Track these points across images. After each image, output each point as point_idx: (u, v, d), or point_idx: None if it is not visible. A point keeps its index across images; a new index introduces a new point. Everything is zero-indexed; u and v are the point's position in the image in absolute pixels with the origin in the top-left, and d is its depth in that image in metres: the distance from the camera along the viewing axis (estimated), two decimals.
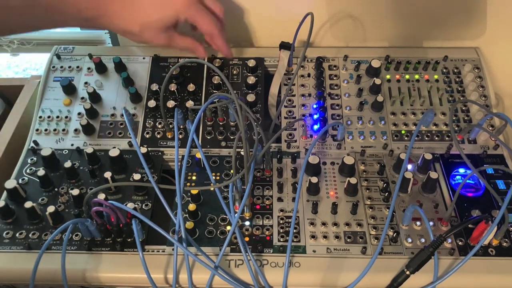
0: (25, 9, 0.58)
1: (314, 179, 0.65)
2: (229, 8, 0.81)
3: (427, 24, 0.83)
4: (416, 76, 0.79)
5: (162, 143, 0.73)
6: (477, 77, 0.78)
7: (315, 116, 0.74)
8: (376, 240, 0.62)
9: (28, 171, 0.69)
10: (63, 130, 0.74)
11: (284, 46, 0.78)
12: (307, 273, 0.59)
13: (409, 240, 0.61)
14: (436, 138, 0.72)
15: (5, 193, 0.65)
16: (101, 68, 0.79)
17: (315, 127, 0.73)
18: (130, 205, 0.63)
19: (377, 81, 0.75)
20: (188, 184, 0.68)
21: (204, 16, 0.68)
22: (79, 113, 0.75)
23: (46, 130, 0.74)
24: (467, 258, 0.56)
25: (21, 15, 0.58)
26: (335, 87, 0.78)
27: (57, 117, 0.75)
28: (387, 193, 0.66)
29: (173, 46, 0.71)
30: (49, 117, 0.75)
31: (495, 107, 0.76)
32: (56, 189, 0.67)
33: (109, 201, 0.59)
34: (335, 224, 0.63)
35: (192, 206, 0.63)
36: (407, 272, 0.56)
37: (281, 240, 0.62)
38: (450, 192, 0.67)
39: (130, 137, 0.73)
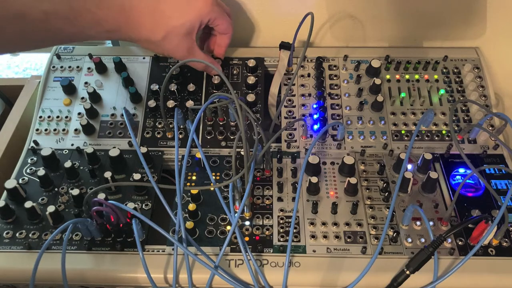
0: (41, 22, 0.56)
1: (314, 179, 0.65)
2: (229, 8, 0.82)
3: (427, 24, 0.83)
4: (416, 76, 0.79)
5: (162, 143, 0.73)
6: (477, 77, 0.78)
7: (315, 116, 0.74)
8: (376, 240, 0.62)
9: (28, 171, 0.69)
10: (63, 130, 0.74)
11: (284, 46, 0.78)
12: (307, 273, 0.59)
13: (409, 240, 0.61)
14: (436, 138, 0.72)
15: (5, 193, 0.65)
16: (101, 68, 0.79)
17: (315, 127, 0.73)
18: (130, 205, 0.63)
19: (377, 81, 0.75)
20: (188, 184, 0.68)
21: (224, 17, 0.69)
22: (79, 113, 0.75)
23: (46, 130, 0.74)
24: (467, 258, 0.56)
25: (37, 28, 0.56)
26: (335, 87, 0.78)
27: (57, 117, 0.75)
28: (387, 193, 0.66)
29: (191, 57, 0.70)
30: (49, 117, 0.75)
31: (495, 107, 0.76)
32: (56, 189, 0.67)
33: (109, 201, 0.59)
34: (335, 224, 0.63)
35: (192, 206, 0.63)
36: (407, 272, 0.56)
37: (281, 240, 0.62)
38: (450, 192, 0.67)
39: (130, 137, 0.73)
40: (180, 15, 0.64)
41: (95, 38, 0.64)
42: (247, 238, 0.62)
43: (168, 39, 0.65)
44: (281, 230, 0.63)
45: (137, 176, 0.66)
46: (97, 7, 0.59)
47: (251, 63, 0.79)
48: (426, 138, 0.73)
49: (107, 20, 0.61)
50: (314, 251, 0.61)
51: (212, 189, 0.66)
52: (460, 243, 0.61)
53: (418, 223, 0.63)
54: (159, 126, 0.74)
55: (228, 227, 0.63)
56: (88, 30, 0.60)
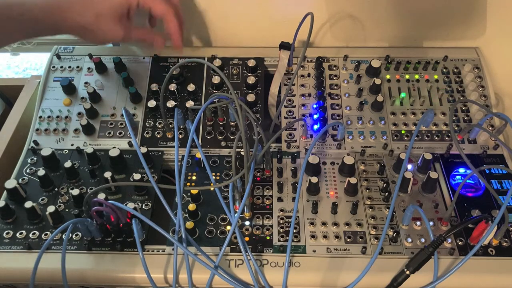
0: None
1: (314, 179, 0.65)
2: (229, 8, 0.82)
3: (427, 24, 0.83)
4: (416, 76, 0.79)
5: (162, 143, 0.73)
6: (477, 77, 0.78)
7: (315, 116, 0.74)
8: (376, 240, 0.62)
9: (28, 171, 0.69)
10: (63, 130, 0.74)
11: (284, 46, 0.78)
12: (307, 273, 0.59)
13: (409, 240, 0.61)
14: (436, 138, 0.72)
15: (5, 193, 0.65)
16: (101, 68, 0.79)
17: (315, 127, 0.73)
18: (130, 205, 0.63)
19: (377, 81, 0.75)
20: (188, 184, 0.68)
21: (156, 0, 0.67)
22: (79, 113, 0.75)
23: (46, 130, 0.74)
24: (467, 258, 0.56)
25: None
26: (335, 87, 0.78)
27: (57, 117, 0.75)
28: (387, 193, 0.66)
29: (130, 38, 0.69)
30: (49, 117, 0.75)
31: (495, 107, 0.76)
32: (56, 189, 0.67)
33: (109, 201, 0.59)
34: (335, 224, 0.63)
35: (192, 206, 0.63)
36: (407, 272, 0.56)
37: (281, 240, 0.62)
38: (450, 192, 0.67)
39: (130, 137, 0.73)
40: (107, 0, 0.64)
41: (23, 33, 0.62)
42: (247, 238, 0.62)
43: (99, 23, 0.64)
44: (281, 230, 0.63)
45: (137, 176, 0.66)
46: (22, 1, 0.59)
47: (251, 63, 0.79)
48: (426, 138, 0.73)
49: (33, 9, 0.60)
50: (314, 251, 0.61)
51: (212, 189, 0.66)
52: (460, 243, 0.61)
53: (418, 223, 0.63)
54: (159, 126, 0.74)
55: (228, 227, 0.63)
56: (14, 22, 0.59)
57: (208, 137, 0.73)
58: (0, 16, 0.58)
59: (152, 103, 0.74)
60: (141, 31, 0.70)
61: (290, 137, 0.73)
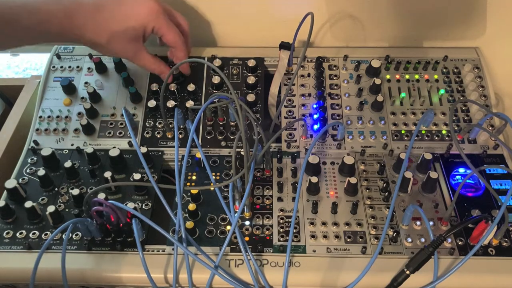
0: None
1: (314, 179, 0.65)
2: (229, 8, 0.82)
3: (427, 24, 0.83)
4: (416, 76, 0.79)
5: (162, 143, 0.73)
6: (477, 77, 0.78)
7: (315, 116, 0.74)
8: (376, 240, 0.62)
9: (28, 171, 0.69)
10: (63, 130, 0.74)
11: (284, 46, 0.78)
12: (307, 272, 0.59)
13: (409, 239, 0.61)
14: (436, 138, 0.72)
15: (5, 193, 0.65)
16: (101, 68, 0.79)
17: (315, 127, 0.73)
18: (130, 205, 0.63)
19: (377, 81, 0.75)
20: (188, 184, 0.68)
21: (170, 28, 0.69)
22: (79, 113, 0.75)
23: (46, 130, 0.74)
24: (467, 258, 0.56)
25: None
26: (335, 87, 0.78)
27: (57, 117, 0.75)
28: (387, 193, 0.66)
29: (139, 61, 0.71)
30: (49, 117, 0.75)
31: (495, 107, 0.76)
32: (56, 189, 0.67)
33: (109, 201, 0.59)
34: (335, 223, 0.63)
35: (192, 206, 0.63)
36: (407, 272, 0.56)
37: (281, 239, 0.62)
38: (450, 192, 0.67)
39: (130, 137, 0.73)
40: (122, 21, 0.65)
41: (38, 40, 0.63)
42: (247, 238, 0.62)
43: (112, 43, 0.66)
44: (281, 230, 0.63)
45: (137, 176, 0.66)
46: (38, 10, 0.59)
47: (251, 63, 0.79)
48: (426, 138, 0.73)
49: (50, 21, 0.60)
50: (314, 251, 0.61)
51: (212, 189, 0.66)
52: (460, 243, 0.61)
53: (418, 223, 0.63)
54: (159, 126, 0.74)
55: (228, 227, 0.63)
56: (27, 31, 0.59)
57: (208, 137, 0.73)
58: (15, 22, 0.58)
59: (152, 103, 0.74)
60: (151, 60, 0.72)
61: (290, 137, 0.73)
